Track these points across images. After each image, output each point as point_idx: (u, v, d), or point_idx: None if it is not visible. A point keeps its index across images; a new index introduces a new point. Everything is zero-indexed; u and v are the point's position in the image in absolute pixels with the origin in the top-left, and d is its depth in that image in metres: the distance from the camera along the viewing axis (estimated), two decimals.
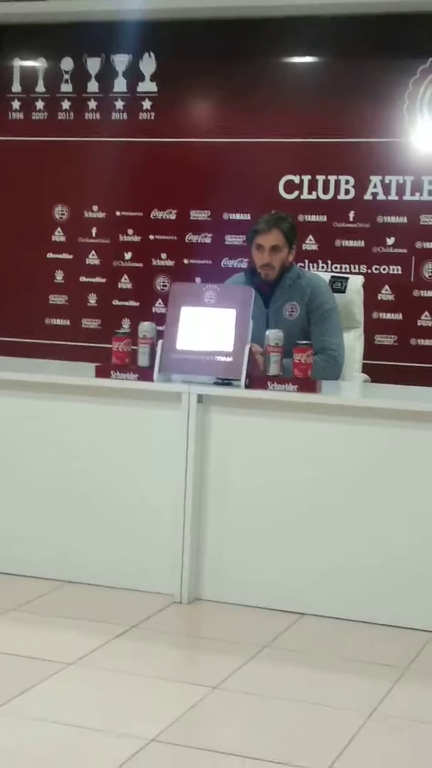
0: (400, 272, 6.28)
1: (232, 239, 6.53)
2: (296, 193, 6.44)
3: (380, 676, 3.55)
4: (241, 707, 3.31)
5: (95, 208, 6.85)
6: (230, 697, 3.36)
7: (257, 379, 4.14)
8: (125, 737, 3.03)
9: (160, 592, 4.20)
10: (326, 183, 6.39)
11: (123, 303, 6.80)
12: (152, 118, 6.71)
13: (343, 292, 4.91)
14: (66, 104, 6.88)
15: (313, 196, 6.41)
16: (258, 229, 4.64)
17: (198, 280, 6.33)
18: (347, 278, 5.00)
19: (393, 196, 6.27)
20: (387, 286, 6.29)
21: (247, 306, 4.18)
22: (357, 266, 6.29)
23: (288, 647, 3.79)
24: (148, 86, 6.71)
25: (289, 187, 6.46)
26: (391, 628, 3.95)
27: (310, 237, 6.37)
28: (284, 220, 4.69)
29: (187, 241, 6.67)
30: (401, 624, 3.96)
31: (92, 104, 6.83)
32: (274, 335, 4.14)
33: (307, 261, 6.31)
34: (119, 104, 6.77)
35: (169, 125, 6.67)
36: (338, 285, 4.91)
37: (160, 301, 6.63)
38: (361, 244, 6.33)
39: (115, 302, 6.82)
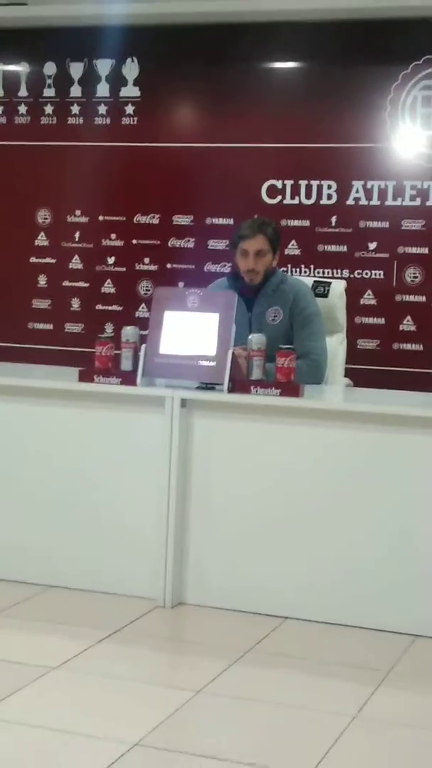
0: (382, 277, 6.30)
1: (215, 244, 6.54)
2: (279, 198, 6.46)
3: (363, 680, 3.56)
4: (224, 711, 3.31)
5: (78, 212, 6.85)
6: (214, 700, 3.37)
7: (240, 383, 4.15)
8: (109, 741, 3.03)
9: (143, 597, 4.19)
10: (309, 188, 6.41)
11: (106, 307, 6.80)
12: (135, 122, 6.71)
13: (326, 296, 4.93)
14: (49, 109, 6.88)
15: (296, 201, 6.43)
16: (242, 235, 4.65)
17: (181, 284, 6.36)
18: (330, 283, 5.01)
19: (375, 201, 6.29)
20: (369, 291, 6.31)
21: (230, 310, 4.18)
22: (339, 271, 6.31)
23: (271, 651, 3.79)
24: (131, 91, 6.71)
25: (272, 192, 6.47)
26: (374, 632, 3.96)
27: (293, 242, 6.39)
28: (268, 225, 4.70)
29: (170, 245, 6.67)
30: (384, 627, 3.96)
31: (75, 109, 6.83)
32: (256, 339, 4.15)
33: (289, 266, 6.32)
34: (102, 109, 6.78)
35: (152, 130, 6.67)
36: (321, 290, 4.92)
37: (143, 305, 6.63)
38: (343, 249, 6.35)
39: (99, 307, 6.82)
